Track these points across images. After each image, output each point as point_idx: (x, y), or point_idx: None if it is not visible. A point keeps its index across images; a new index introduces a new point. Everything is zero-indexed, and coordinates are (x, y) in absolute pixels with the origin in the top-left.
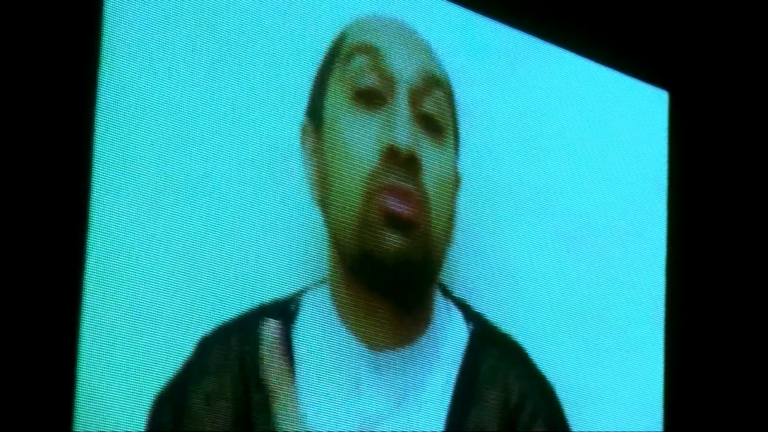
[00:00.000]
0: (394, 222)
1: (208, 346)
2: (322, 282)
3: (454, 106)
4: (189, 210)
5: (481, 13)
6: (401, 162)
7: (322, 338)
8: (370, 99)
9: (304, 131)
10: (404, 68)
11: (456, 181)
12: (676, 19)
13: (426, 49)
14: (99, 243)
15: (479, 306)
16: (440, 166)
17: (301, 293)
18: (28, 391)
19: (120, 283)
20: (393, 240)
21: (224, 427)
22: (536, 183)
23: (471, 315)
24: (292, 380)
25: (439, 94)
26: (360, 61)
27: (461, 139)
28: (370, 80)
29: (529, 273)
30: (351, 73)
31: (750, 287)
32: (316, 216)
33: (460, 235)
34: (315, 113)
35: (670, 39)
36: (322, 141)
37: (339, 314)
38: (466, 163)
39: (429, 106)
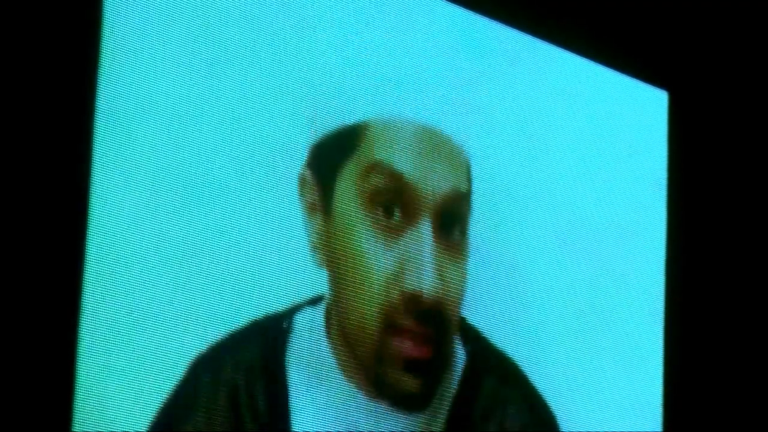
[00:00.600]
0: (413, 366)
1: (199, 374)
2: (317, 301)
3: (471, 200)
4: (189, 209)
5: (481, 13)
6: (425, 308)
7: (317, 375)
8: (390, 218)
9: (303, 183)
10: (431, 188)
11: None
12: (676, 19)
13: (452, 159)
14: (99, 243)
15: (476, 307)
16: (459, 279)
17: (294, 311)
18: (28, 391)
19: (120, 283)
20: (409, 383)
21: None
22: (536, 183)
23: (467, 334)
24: (287, 407)
25: (463, 204)
26: (380, 182)
27: None
28: (391, 202)
29: (527, 272)
30: (370, 190)
31: (750, 287)
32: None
33: None
34: (321, 180)
35: (670, 39)
36: (332, 226)
37: (335, 357)
38: None
39: (453, 217)
